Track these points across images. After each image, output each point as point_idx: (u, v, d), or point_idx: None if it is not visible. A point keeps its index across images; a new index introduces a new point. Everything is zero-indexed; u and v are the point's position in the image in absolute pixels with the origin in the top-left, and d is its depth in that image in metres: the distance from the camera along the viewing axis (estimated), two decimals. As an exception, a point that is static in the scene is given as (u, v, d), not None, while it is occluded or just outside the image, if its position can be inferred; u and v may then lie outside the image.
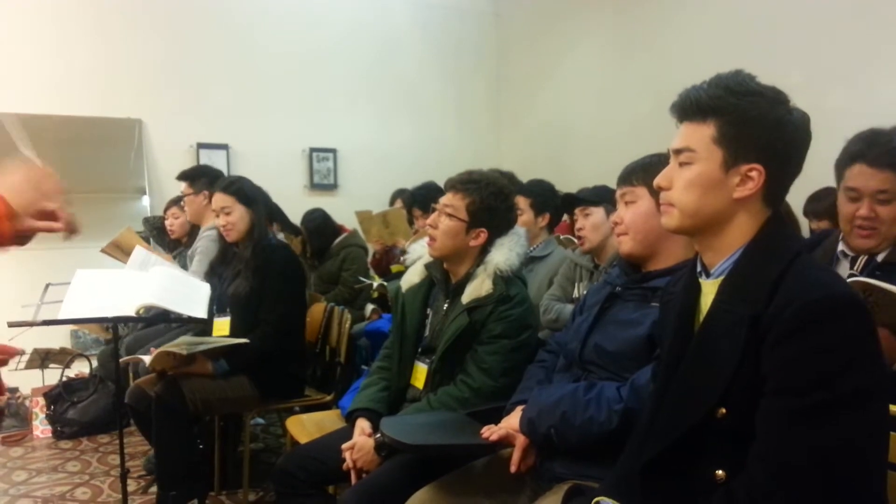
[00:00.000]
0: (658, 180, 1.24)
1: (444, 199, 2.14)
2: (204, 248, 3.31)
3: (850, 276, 1.77)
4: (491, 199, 2.09)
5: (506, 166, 5.34)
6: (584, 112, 5.56)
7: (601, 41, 5.49)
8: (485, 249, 2.11)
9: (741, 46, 4.19)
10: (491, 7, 6.58)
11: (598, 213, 2.60)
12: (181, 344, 2.62)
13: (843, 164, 1.77)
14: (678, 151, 1.21)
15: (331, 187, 5.87)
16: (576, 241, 2.75)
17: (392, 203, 5.20)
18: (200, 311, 2.62)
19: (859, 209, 1.72)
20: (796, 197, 3.28)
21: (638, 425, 1.40)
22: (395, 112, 6.12)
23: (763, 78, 1.20)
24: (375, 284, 4.25)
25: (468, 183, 2.11)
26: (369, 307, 4.32)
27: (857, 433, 1.04)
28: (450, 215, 2.09)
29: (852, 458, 1.04)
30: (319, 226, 4.57)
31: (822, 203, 3.18)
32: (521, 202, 3.05)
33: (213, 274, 2.99)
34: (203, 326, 2.87)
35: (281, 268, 2.85)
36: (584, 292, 2.68)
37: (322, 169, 5.84)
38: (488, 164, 4.88)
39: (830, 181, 2.44)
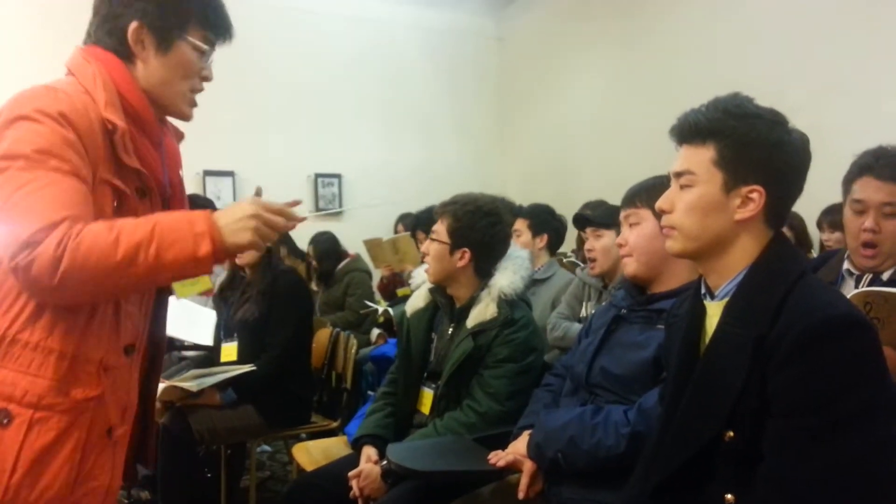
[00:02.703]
0: (659, 203, 1.25)
1: (433, 227, 2.17)
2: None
3: (856, 294, 1.77)
4: (468, 218, 2.10)
5: (511, 187, 5.38)
6: (588, 132, 5.59)
7: (602, 62, 5.53)
8: (487, 273, 2.12)
9: (744, 65, 4.21)
10: (493, 31, 6.64)
11: (609, 236, 2.58)
12: (189, 378, 2.61)
13: (850, 178, 1.78)
14: (679, 174, 1.21)
15: (336, 212, 5.89)
16: (583, 262, 2.75)
17: (395, 227, 5.21)
18: (206, 338, 2.62)
19: (865, 222, 1.72)
20: (801, 214, 3.28)
21: (646, 449, 1.39)
22: (400, 136, 6.15)
23: (766, 96, 1.20)
24: (381, 309, 4.25)
25: (448, 206, 2.15)
26: (375, 332, 4.32)
27: (866, 453, 1.04)
28: (433, 239, 2.12)
29: (861, 477, 1.04)
30: (329, 248, 4.59)
31: (837, 216, 3.19)
32: (520, 224, 3.10)
33: (220, 298, 2.99)
34: (209, 354, 2.86)
35: (287, 292, 2.86)
36: (593, 311, 2.67)
37: (327, 194, 5.87)
38: (493, 185, 4.90)
39: (834, 198, 2.44)
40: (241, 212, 1.20)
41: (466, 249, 2.09)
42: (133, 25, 1.24)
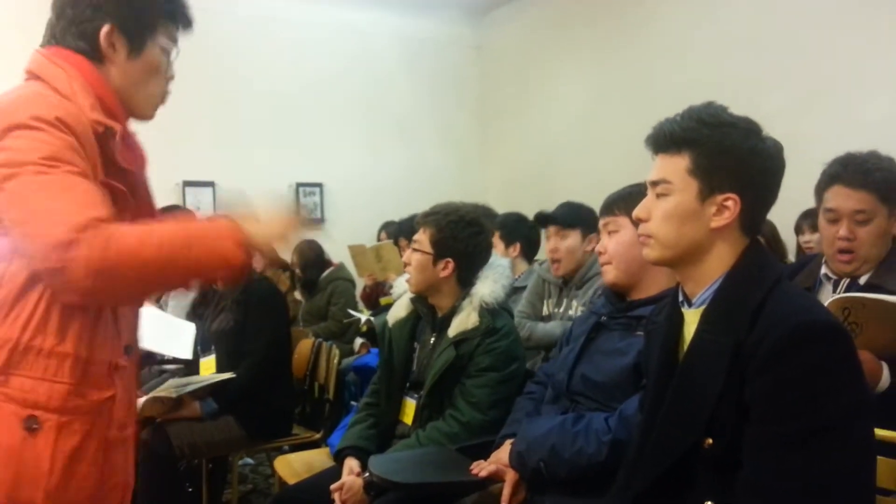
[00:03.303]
0: (636, 212, 1.25)
1: (415, 236, 2.16)
2: (176, 293, 3.28)
3: (834, 298, 1.78)
4: (451, 228, 2.10)
5: (492, 195, 5.38)
6: (568, 139, 5.61)
7: (581, 70, 5.56)
8: (468, 282, 2.11)
9: (722, 71, 4.26)
10: (472, 40, 6.66)
11: (574, 236, 2.57)
12: (168, 388, 2.59)
13: (821, 187, 1.80)
14: (655, 183, 1.22)
15: (318, 222, 5.87)
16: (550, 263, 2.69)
17: (378, 235, 5.21)
18: (185, 352, 2.59)
19: (839, 230, 1.74)
20: (781, 220, 3.31)
21: (627, 457, 1.39)
22: (381, 145, 6.15)
23: (744, 103, 1.21)
24: (364, 318, 4.23)
25: (429, 216, 2.14)
26: (358, 341, 4.30)
27: (843, 457, 1.04)
28: (416, 250, 2.12)
29: (840, 482, 1.04)
30: (314, 257, 4.57)
31: (817, 218, 3.22)
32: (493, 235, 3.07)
33: (194, 315, 2.97)
34: (187, 369, 2.84)
35: (262, 299, 2.85)
36: (555, 309, 2.66)
37: (308, 203, 5.84)
38: (474, 192, 4.91)
39: (811, 203, 2.48)
40: (275, 214, 1.25)
41: (450, 259, 2.09)
42: (105, 28, 1.23)
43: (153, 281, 1.15)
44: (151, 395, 2.59)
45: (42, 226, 1.07)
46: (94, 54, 1.24)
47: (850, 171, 1.72)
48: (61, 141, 1.12)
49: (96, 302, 1.17)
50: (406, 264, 2.15)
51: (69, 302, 1.14)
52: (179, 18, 1.32)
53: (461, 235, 2.10)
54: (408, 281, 2.16)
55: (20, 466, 1.10)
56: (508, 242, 3.14)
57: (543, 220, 2.65)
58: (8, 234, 1.12)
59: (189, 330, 2.77)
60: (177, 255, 1.12)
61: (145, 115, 1.33)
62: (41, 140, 1.10)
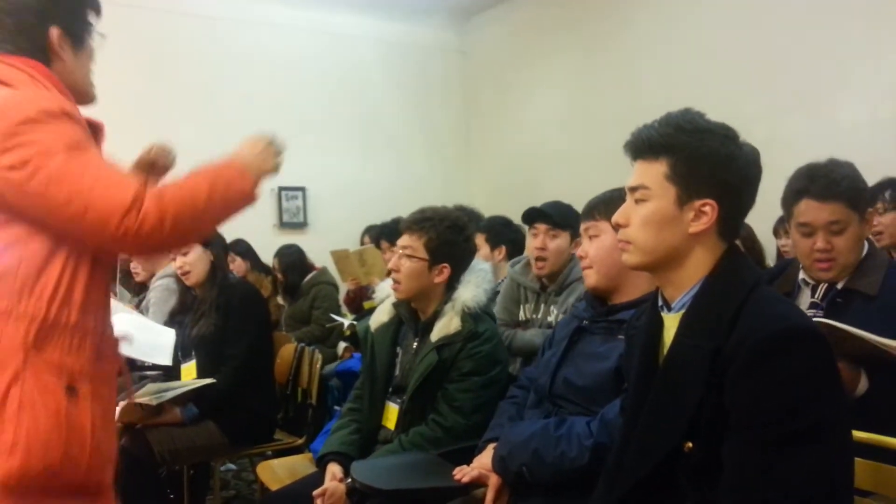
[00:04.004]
0: (615, 218, 1.26)
1: (401, 241, 2.13)
2: (158, 298, 3.27)
3: (812, 304, 1.80)
4: (448, 233, 2.09)
5: (475, 199, 5.40)
6: (552, 144, 5.63)
7: (565, 74, 5.59)
8: (451, 286, 2.11)
9: (704, 77, 4.30)
10: (456, 45, 6.67)
11: (564, 237, 2.52)
12: (148, 394, 2.56)
13: (789, 202, 1.80)
14: (633, 189, 1.23)
15: (300, 225, 5.85)
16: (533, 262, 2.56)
17: (362, 239, 5.20)
18: (165, 358, 2.57)
19: (815, 243, 1.75)
20: (760, 224, 3.35)
21: (608, 461, 1.40)
22: (365, 149, 6.13)
23: (725, 107, 1.22)
24: (347, 323, 4.22)
25: (422, 221, 2.11)
26: (342, 345, 4.29)
27: (822, 462, 1.06)
28: (409, 256, 2.08)
29: (819, 486, 1.05)
30: (295, 261, 4.55)
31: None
32: (478, 239, 3.04)
33: (172, 322, 2.94)
34: (167, 376, 2.81)
35: (242, 302, 2.84)
36: (532, 315, 2.60)
37: (291, 207, 5.82)
38: (458, 197, 4.92)
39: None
40: (258, 145, 1.43)
41: (446, 265, 2.08)
42: (55, 32, 1.29)
43: (208, 217, 1.29)
44: (131, 399, 2.56)
45: (105, 196, 1.16)
46: (43, 56, 1.29)
47: (818, 184, 1.72)
48: (73, 130, 1.19)
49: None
50: (393, 270, 2.11)
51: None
52: (98, 6, 1.40)
53: (457, 240, 2.10)
54: (394, 287, 2.13)
55: (70, 430, 1.18)
56: (494, 245, 3.14)
57: (535, 215, 2.56)
58: (52, 216, 1.17)
59: (169, 336, 2.75)
60: (215, 192, 1.27)
61: (89, 96, 1.39)
62: (58, 131, 1.17)
